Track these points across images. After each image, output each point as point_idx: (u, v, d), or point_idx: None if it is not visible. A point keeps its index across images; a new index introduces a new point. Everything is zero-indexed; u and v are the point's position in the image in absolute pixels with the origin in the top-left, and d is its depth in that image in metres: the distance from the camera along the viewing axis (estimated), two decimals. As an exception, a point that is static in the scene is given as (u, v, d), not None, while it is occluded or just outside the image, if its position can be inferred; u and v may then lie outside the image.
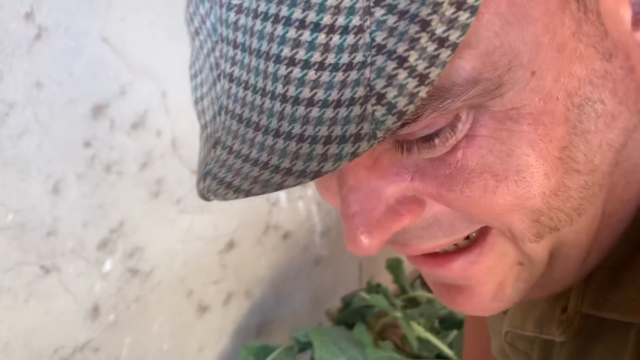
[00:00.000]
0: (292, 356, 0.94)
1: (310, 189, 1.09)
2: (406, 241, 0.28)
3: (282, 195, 1.03)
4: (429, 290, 1.14)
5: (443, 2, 0.19)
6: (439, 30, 0.19)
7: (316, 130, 0.21)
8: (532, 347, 0.37)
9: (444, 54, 0.20)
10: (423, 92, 0.20)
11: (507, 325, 0.38)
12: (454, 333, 0.92)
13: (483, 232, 0.28)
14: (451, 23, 0.19)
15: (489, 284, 0.29)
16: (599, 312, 0.30)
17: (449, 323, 0.94)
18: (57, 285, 0.71)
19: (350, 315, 0.99)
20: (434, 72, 0.20)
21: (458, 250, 0.29)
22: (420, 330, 0.92)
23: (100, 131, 0.70)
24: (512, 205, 0.24)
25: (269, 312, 1.09)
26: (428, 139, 0.23)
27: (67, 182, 0.68)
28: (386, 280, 1.13)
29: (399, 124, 0.20)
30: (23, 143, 0.63)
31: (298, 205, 1.08)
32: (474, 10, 0.19)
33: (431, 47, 0.19)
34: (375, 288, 1.00)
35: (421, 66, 0.20)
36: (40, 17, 0.60)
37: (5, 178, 0.62)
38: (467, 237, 0.28)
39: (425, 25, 0.19)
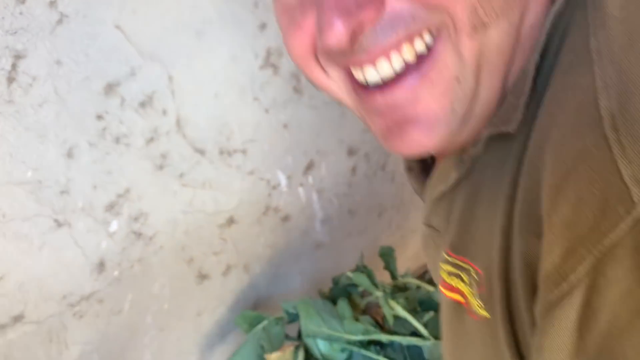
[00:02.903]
0: (281, 325, 1.02)
1: (311, 177, 1.18)
2: (371, 42, 0.35)
3: (282, 180, 1.12)
4: (419, 279, 1.19)
5: None
6: None
7: None
8: (453, 197, 0.44)
9: None
10: None
11: (429, 201, 0.47)
12: (430, 314, 0.98)
13: (430, 50, 0.35)
14: None
15: (435, 105, 0.35)
16: (486, 131, 0.38)
17: (427, 305, 1.00)
18: (68, 238, 0.82)
19: (337, 293, 1.06)
20: None
21: (408, 68, 0.36)
22: (398, 309, 0.98)
23: (112, 107, 0.81)
24: None
25: (267, 288, 1.18)
26: None
27: (80, 149, 0.79)
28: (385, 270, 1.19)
29: None
30: (43, 111, 0.74)
31: (298, 191, 1.16)
32: None
33: None
34: (361, 269, 1.07)
35: None
36: (63, 5, 0.72)
37: (26, 140, 0.73)
38: (418, 58, 0.36)
39: None
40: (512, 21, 0.35)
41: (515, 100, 0.36)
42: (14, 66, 0.70)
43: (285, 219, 1.16)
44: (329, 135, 1.18)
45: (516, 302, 0.35)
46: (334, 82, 0.41)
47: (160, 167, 0.90)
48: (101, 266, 0.87)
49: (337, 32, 0.33)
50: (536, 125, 0.34)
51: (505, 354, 0.37)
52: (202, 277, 1.04)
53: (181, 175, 0.93)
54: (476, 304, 0.40)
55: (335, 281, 1.10)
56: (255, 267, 1.13)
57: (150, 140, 0.87)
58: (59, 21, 0.72)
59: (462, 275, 0.42)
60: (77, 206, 0.81)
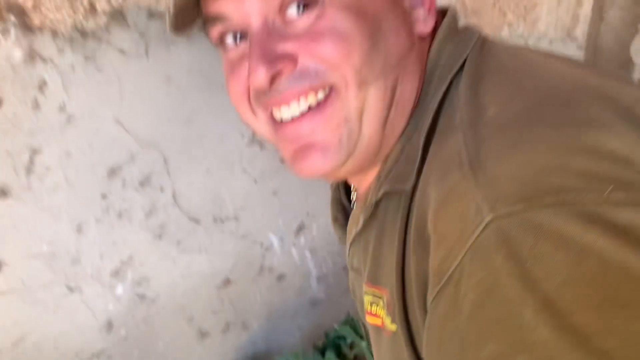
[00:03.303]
0: (275, 377, 1.11)
1: (303, 238, 1.29)
2: (284, 89, 0.47)
3: (274, 242, 1.23)
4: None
5: None
6: None
7: None
8: (366, 238, 0.55)
9: None
10: None
11: (348, 244, 0.57)
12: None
13: (327, 95, 0.47)
14: None
15: (328, 136, 0.48)
16: (383, 187, 0.49)
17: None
18: (79, 302, 0.95)
19: (327, 346, 1.15)
20: None
21: (311, 109, 0.48)
22: (380, 358, 1.06)
23: (114, 187, 0.96)
24: (347, 52, 0.44)
25: (266, 344, 1.27)
26: (305, 8, 0.44)
27: (88, 224, 0.93)
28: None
29: None
30: (56, 195, 0.89)
31: (291, 251, 1.27)
32: None
33: None
34: (348, 321, 1.15)
35: None
36: (70, 108, 0.88)
37: (42, 220, 0.88)
38: (318, 103, 0.48)
39: None
40: (387, 85, 0.48)
41: (410, 167, 0.47)
42: (31, 160, 0.85)
43: (280, 278, 1.27)
44: (317, 199, 1.31)
45: (413, 313, 0.46)
46: (260, 121, 0.53)
47: (160, 237, 1.03)
48: (109, 326, 1.00)
49: (260, 75, 0.46)
50: (421, 177, 0.46)
51: None
52: (203, 334, 1.14)
53: (179, 243, 1.06)
54: (388, 322, 0.50)
55: (327, 334, 1.19)
56: (253, 324, 1.24)
57: (150, 213, 1.01)
58: (68, 121, 0.88)
59: (379, 301, 0.53)
60: (87, 273, 0.95)
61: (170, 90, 1.00)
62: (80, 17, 0.85)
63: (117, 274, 0.99)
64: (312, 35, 0.45)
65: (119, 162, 0.95)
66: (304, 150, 0.48)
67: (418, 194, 0.45)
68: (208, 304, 1.14)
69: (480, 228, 0.35)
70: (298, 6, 0.45)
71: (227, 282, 1.16)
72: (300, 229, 1.28)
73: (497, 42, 0.50)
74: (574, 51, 2.22)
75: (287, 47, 0.45)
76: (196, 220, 1.08)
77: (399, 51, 0.47)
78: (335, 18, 0.44)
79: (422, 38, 0.50)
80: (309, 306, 1.35)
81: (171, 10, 0.46)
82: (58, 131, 0.87)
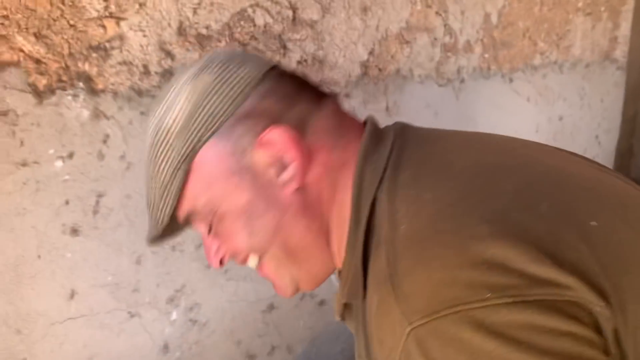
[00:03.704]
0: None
1: (342, 266, 1.37)
2: (230, 262, 0.64)
3: (315, 269, 1.32)
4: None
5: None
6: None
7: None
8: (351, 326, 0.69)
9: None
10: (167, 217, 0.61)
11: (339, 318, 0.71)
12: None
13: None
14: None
15: (277, 279, 0.64)
16: (344, 299, 0.62)
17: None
18: (139, 326, 1.07)
19: (365, 366, 1.22)
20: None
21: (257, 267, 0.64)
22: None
23: (168, 223, 1.08)
24: (237, 243, 0.61)
25: (310, 366, 1.35)
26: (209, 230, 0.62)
27: (145, 257, 1.06)
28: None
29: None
30: (118, 232, 1.02)
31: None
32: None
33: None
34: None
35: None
36: (129, 157, 1.02)
37: (107, 253, 1.01)
38: (256, 265, 0.64)
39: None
40: (278, 245, 0.62)
41: (356, 284, 0.59)
42: (97, 202, 0.99)
43: (322, 303, 1.35)
44: (355, 229, 1.39)
45: None
46: None
47: (209, 266, 1.15)
48: (165, 348, 1.11)
49: (213, 263, 0.65)
50: (368, 284, 0.56)
51: None
52: (250, 357, 1.24)
53: (226, 271, 1.18)
54: None
55: (364, 356, 1.26)
56: (297, 348, 1.32)
57: (199, 246, 1.13)
58: (127, 168, 1.02)
59: None
60: (145, 301, 1.07)
61: (214, 136, 1.12)
62: (136, 79, 1.00)
63: (171, 300, 1.11)
64: (221, 239, 0.64)
65: (171, 201, 1.08)
66: (274, 285, 0.67)
67: (368, 297, 0.56)
68: (254, 328, 1.24)
69: (404, 337, 0.46)
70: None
71: (271, 307, 1.26)
72: (339, 257, 1.37)
73: (411, 145, 0.59)
74: (614, 72, 2.22)
75: (218, 245, 0.65)
76: (241, 251, 1.19)
77: (274, 220, 0.60)
78: (223, 226, 0.61)
79: (306, 185, 0.61)
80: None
81: (154, 233, 0.66)
82: (119, 177, 1.01)
